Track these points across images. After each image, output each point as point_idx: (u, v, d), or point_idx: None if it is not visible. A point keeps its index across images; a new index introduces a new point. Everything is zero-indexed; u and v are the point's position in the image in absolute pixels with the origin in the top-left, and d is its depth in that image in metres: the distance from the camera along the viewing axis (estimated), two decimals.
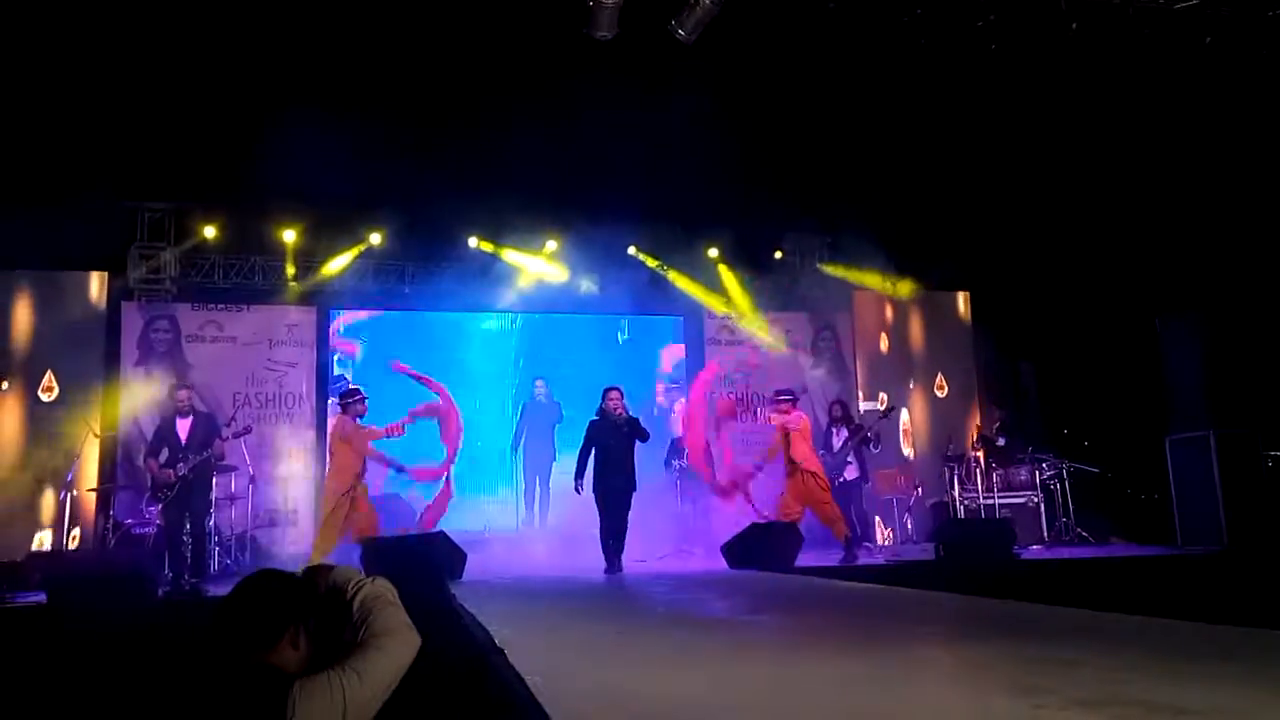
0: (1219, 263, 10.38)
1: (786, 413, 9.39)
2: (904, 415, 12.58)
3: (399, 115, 9.86)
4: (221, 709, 2.28)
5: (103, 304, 10.86)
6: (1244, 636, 3.81)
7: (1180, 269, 10.78)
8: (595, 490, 8.78)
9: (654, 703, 2.98)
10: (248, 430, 9.23)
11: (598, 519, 8.85)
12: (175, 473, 8.12)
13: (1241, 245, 10.13)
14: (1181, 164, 10.13)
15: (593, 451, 8.86)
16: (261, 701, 2.26)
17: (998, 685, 2.97)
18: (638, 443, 9.05)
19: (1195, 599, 5.53)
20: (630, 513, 8.83)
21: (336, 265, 11.88)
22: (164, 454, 8.32)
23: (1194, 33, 8.18)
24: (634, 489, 8.92)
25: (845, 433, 10.53)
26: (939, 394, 13.00)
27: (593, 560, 8.76)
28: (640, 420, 9.20)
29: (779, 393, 9.78)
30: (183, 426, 8.42)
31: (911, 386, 12.98)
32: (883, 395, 12.29)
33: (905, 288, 12.93)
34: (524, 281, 12.33)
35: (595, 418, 9.03)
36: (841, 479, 10.21)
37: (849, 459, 10.36)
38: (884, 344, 13.21)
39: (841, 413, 10.79)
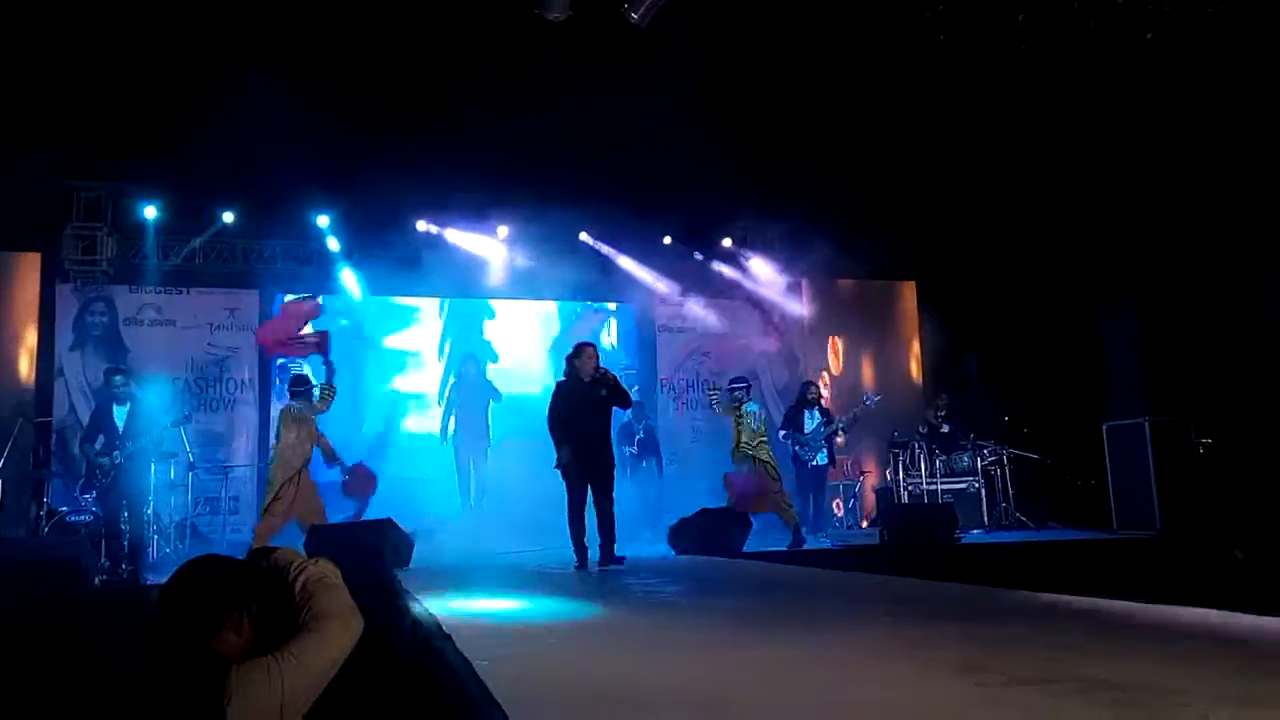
0: (1156, 253, 10.64)
1: (742, 401, 9.49)
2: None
3: (344, 96, 9.68)
4: (160, 696, 2.24)
5: (36, 286, 10.54)
6: (1177, 615, 3.91)
7: (1119, 259, 11.03)
8: (562, 467, 7.35)
9: (602, 686, 2.98)
10: (187, 419, 9.03)
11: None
12: (111, 460, 7.94)
13: (1179, 236, 10.39)
14: (1119, 156, 10.36)
15: (559, 422, 7.36)
16: (200, 688, 2.22)
17: (940, 664, 3.02)
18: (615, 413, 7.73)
19: (1130, 580, 5.67)
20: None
21: None
22: (100, 441, 8.12)
23: (1135, 27, 8.37)
24: (613, 465, 7.53)
25: (818, 415, 10.52)
26: (885, 380, 13.17)
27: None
28: (621, 380, 7.69)
29: (734, 381, 9.84)
30: (120, 413, 8.22)
31: (858, 373, 13.14)
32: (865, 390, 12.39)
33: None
34: (471, 267, 12.21)
35: (561, 379, 7.62)
36: (814, 463, 10.26)
37: (820, 444, 10.36)
38: (832, 330, 13.35)
39: (815, 395, 10.72)
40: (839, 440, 10.79)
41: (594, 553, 7.25)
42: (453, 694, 2.98)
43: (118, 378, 8.44)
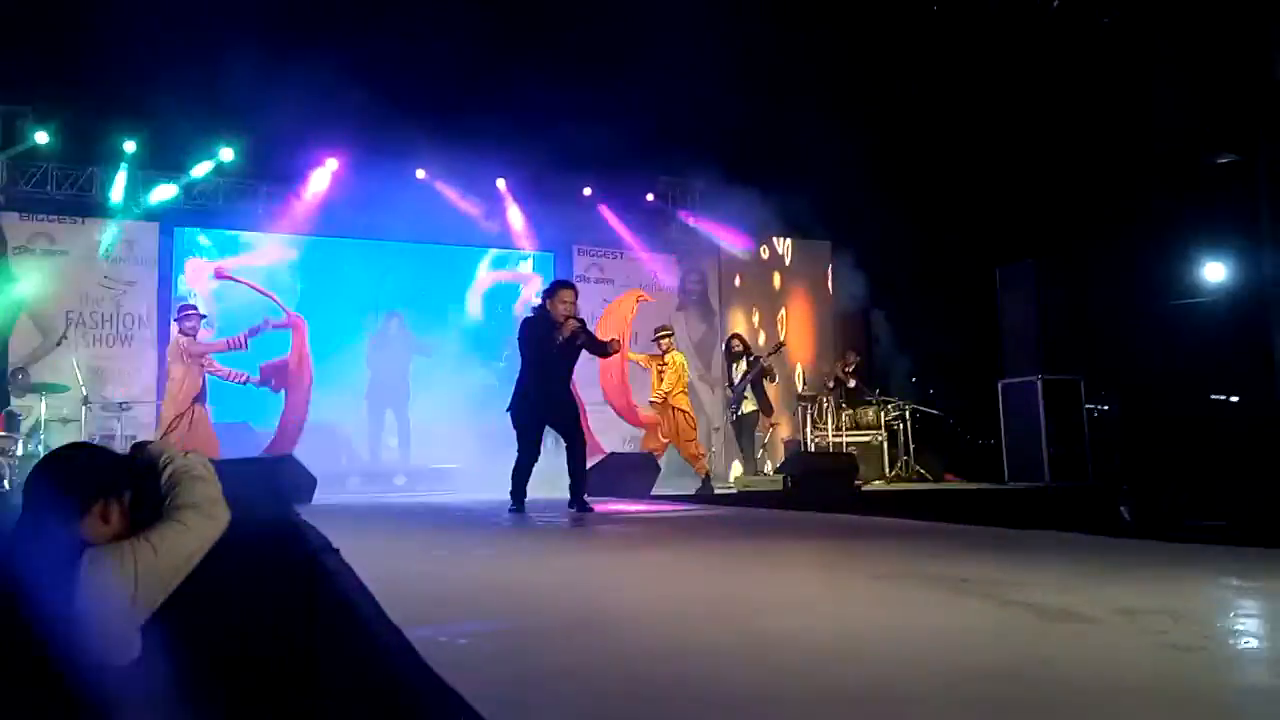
0: (1056, 218, 11.00)
1: (666, 349, 9.58)
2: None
3: (254, 17, 9.31)
4: (9, 576, 2.19)
5: None
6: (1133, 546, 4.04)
7: (1020, 223, 11.38)
8: (517, 411, 6.60)
9: (491, 591, 3.01)
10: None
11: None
12: None
13: (1080, 203, 10.75)
14: (1024, 124, 10.66)
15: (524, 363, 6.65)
16: (51, 568, 2.17)
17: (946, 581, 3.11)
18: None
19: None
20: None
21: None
22: None
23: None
24: (577, 409, 6.92)
25: (745, 366, 10.60)
26: (797, 336, 13.42)
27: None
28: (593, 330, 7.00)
29: (659, 329, 9.90)
30: None
31: (772, 329, 13.35)
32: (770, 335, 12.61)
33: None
34: (384, 208, 11.91)
35: (530, 315, 6.84)
36: (740, 412, 10.38)
37: (746, 393, 10.47)
38: (747, 286, 13.51)
39: (741, 347, 10.66)
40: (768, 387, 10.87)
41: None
42: (339, 600, 2.96)
43: None
